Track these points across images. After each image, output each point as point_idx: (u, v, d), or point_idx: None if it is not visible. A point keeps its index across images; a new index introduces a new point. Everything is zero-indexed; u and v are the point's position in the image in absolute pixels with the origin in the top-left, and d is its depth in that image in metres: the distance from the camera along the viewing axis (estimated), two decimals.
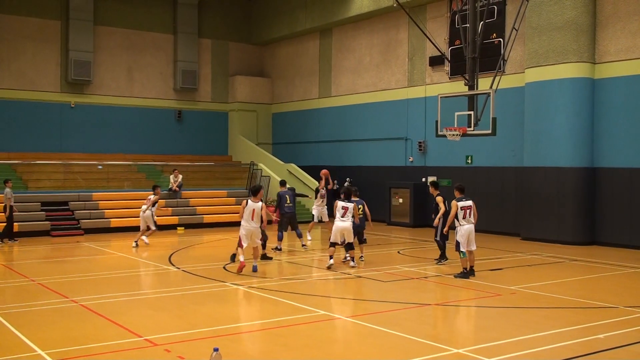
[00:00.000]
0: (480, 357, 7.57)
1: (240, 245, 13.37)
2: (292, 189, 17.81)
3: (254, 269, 13.39)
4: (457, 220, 12.89)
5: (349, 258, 14.34)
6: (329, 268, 13.68)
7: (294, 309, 10.24)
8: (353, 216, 14.03)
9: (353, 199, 15.09)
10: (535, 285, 12.25)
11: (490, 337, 8.64)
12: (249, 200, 13.37)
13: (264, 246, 14.92)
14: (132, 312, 9.93)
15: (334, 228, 13.97)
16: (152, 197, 18.09)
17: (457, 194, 13.16)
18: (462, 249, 12.80)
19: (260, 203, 13.36)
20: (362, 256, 15.14)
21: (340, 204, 13.89)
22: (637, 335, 8.72)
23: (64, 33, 26.61)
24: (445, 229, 13.53)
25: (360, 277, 13.16)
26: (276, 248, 16.50)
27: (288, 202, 16.71)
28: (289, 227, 16.87)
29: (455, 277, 12.91)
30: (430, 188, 15.30)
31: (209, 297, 11.18)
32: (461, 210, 12.84)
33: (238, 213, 24.14)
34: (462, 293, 11.73)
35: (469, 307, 10.86)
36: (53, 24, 26.53)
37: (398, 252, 17.05)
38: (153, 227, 17.87)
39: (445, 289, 12.26)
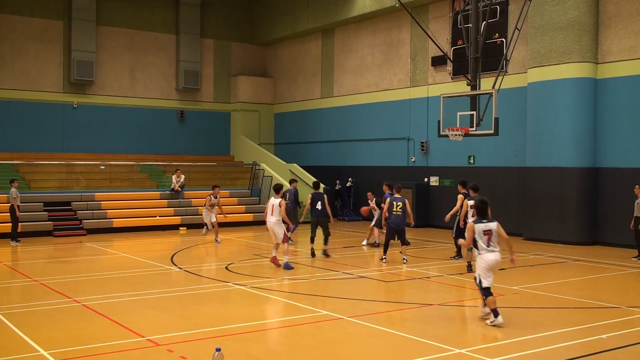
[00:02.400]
0: (483, 357, 7.57)
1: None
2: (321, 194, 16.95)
3: (285, 266, 13.92)
4: (467, 218, 13.41)
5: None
6: (492, 324, 9.06)
7: (297, 309, 10.24)
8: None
9: (396, 195, 14.78)
10: (537, 285, 12.24)
11: (492, 337, 8.63)
12: (272, 197, 14.57)
13: (325, 242, 15.86)
14: (135, 312, 9.94)
15: (483, 263, 9.31)
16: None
17: (470, 192, 13.73)
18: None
19: (279, 199, 14.27)
20: (405, 258, 14.91)
21: (479, 227, 9.32)
22: (639, 336, 8.71)
23: (67, 33, 26.65)
24: (462, 223, 13.74)
25: (363, 277, 13.16)
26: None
27: (317, 205, 16.35)
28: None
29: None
30: (459, 186, 15.31)
31: (212, 297, 11.18)
32: (471, 208, 13.23)
33: (240, 213, 24.51)
34: (464, 293, 11.72)
35: (471, 307, 10.84)
36: (56, 24, 26.57)
37: (400, 252, 17.03)
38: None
39: (447, 289, 12.26)
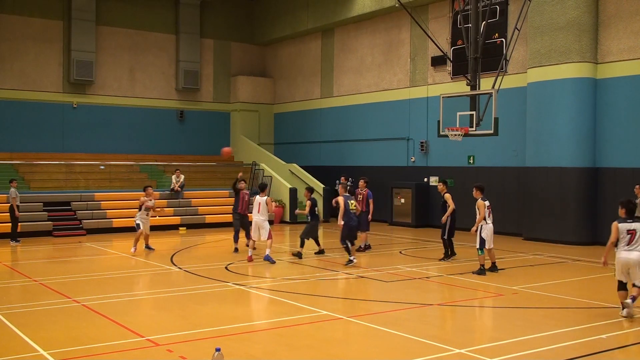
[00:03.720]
0: (482, 357, 7.56)
1: (248, 237, 15.06)
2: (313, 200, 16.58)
3: (266, 258, 14.61)
4: (486, 219, 13.41)
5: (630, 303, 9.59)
6: (627, 316, 9.48)
7: (296, 309, 10.24)
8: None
9: (346, 194, 15.00)
10: (537, 285, 12.24)
11: (492, 337, 8.64)
12: (257, 195, 15.03)
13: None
14: (134, 312, 9.94)
15: (617, 261, 9.64)
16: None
17: (479, 194, 13.60)
18: (486, 247, 13.33)
19: (265, 197, 14.84)
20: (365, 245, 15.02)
21: (623, 226, 9.55)
22: (639, 336, 8.71)
23: (67, 33, 26.64)
24: (474, 228, 13.42)
25: (362, 277, 13.16)
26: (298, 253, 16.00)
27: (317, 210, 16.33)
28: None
29: (473, 273, 13.30)
30: (439, 185, 15.45)
31: (211, 297, 11.18)
32: (487, 209, 13.37)
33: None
34: (464, 293, 11.72)
35: (470, 307, 10.85)
36: (55, 24, 26.56)
37: (400, 252, 17.04)
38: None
39: (447, 289, 12.26)
